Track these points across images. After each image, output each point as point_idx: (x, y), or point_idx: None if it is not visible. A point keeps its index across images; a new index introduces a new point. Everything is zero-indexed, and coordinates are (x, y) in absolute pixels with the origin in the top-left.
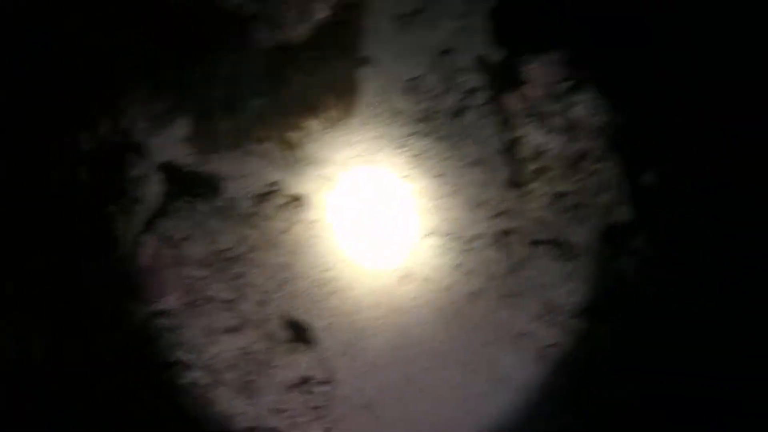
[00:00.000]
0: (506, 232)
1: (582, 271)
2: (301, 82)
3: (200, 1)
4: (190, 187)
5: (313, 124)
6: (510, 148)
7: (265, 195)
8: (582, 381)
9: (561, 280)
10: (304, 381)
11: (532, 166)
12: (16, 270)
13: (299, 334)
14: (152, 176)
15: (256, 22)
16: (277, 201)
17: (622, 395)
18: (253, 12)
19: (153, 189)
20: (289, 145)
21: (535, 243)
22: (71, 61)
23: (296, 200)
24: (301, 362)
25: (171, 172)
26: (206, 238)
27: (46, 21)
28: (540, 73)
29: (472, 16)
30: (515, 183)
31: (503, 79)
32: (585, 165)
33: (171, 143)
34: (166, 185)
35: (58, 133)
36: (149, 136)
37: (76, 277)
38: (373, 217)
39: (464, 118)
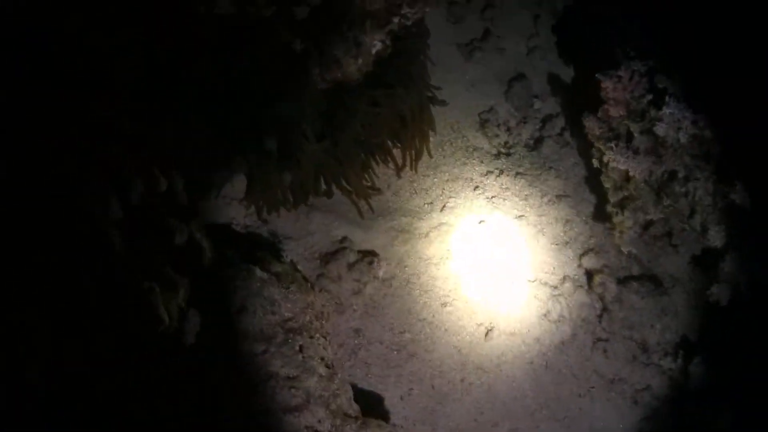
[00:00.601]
0: (595, 272)
1: (674, 305)
2: (364, 124)
3: (242, 41)
4: (246, 251)
5: (381, 169)
6: (594, 178)
7: (333, 253)
8: (677, 421)
9: (653, 317)
10: None
11: (619, 195)
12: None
13: (373, 406)
14: (200, 242)
15: (307, 60)
16: (347, 259)
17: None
18: (303, 48)
19: (201, 257)
20: (357, 195)
21: (626, 279)
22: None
23: (368, 257)
24: None
25: (223, 236)
26: (265, 309)
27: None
28: (618, 89)
29: (541, 35)
30: (602, 216)
31: (580, 100)
32: (673, 188)
33: (222, 203)
34: (217, 251)
35: (85, 195)
36: (195, 195)
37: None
38: (452, 269)
39: (543, 149)
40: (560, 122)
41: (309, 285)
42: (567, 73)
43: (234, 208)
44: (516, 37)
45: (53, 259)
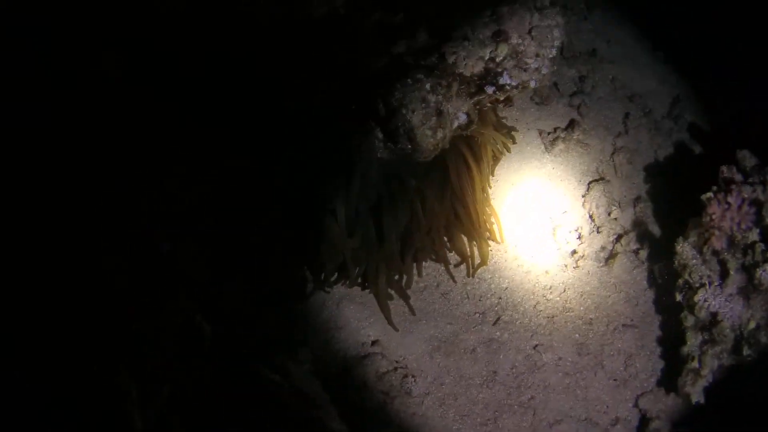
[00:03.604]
0: (652, 417)
1: None
2: (421, 208)
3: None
4: (256, 339)
5: (432, 265)
6: (667, 309)
7: (362, 358)
8: None
9: None
10: None
11: (699, 338)
12: None
13: None
14: (199, 324)
15: (369, 118)
16: (377, 367)
17: None
18: (366, 99)
19: (198, 344)
20: (399, 292)
21: (680, 426)
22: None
23: (401, 368)
24: None
25: (223, 318)
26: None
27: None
28: (726, 218)
29: (630, 134)
30: (668, 354)
31: (666, 218)
32: (759, 338)
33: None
34: (216, 334)
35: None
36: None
37: None
38: (495, 395)
39: (614, 267)
40: (638, 239)
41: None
42: (653, 183)
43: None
44: (603, 133)
45: None
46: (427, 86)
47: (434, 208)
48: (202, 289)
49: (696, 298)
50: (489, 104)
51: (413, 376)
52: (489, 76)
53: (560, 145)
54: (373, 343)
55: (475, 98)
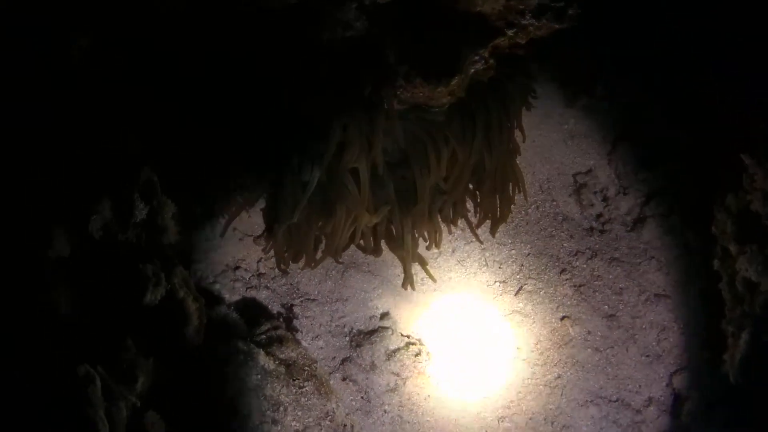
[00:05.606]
0: (685, 397)
1: None
2: (438, 160)
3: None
4: (251, 317)
5: (449, 228)
6: (703, 278)
7: (369, 333)
8: None
9: None
10: None
11: (738, 311)
12: None
13: None
14: (184, 303)
15: (391, 65)
16: (387, 344)
17: None
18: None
19: (183, 326)
20: (413, 259)
21: (716, 406)
22: None
23: (414, 345)
24: None
25: (222, 287)
26: (264, 415)
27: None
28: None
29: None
30: (707, 329)
31: (701, 179)
32: None
33: (230, 238)
34: (208, 312)
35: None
36: (191, 224)
37: None
38: (520, 373)
39: (644, 232)
40: (668, 201)
41: (330, 384)
42: (686, 141)
43: (245, 247)
44: (628, 87)
45: None
46: (438, 27)
47: (461, 160)
48: None
49: (737, 267)
50: (507, 49)
51: (428, 355)
52: (510, 14)
53: (583, 99)
54: (383, 316)
55: (495, 41)
